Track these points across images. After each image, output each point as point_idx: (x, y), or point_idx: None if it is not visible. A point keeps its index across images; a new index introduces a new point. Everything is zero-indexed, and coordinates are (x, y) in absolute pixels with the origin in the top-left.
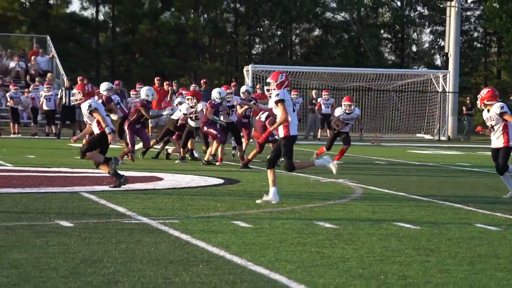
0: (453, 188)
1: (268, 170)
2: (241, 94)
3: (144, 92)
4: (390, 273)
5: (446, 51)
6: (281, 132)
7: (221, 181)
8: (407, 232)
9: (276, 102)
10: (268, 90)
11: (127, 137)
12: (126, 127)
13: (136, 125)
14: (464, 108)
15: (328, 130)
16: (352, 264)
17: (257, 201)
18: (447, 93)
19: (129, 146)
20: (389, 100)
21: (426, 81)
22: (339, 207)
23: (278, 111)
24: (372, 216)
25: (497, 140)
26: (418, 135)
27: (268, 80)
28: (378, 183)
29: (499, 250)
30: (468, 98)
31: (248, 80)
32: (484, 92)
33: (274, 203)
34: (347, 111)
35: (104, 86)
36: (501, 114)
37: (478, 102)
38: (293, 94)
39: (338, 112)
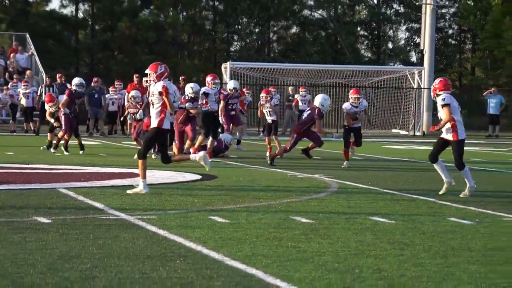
0: (428, 183)
1: (139, 161)
2: (229, 91)
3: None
4: (365, 267)
5: (421, 48)
6: (154, 123)
7: (199, 177)
8: (382, 226)
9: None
10: (147, 81)
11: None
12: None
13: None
14: None
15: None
16: (327, 258)
17: (128, 191)
18: (422, 89)
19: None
20: (365, 96)
21: (401, 78)
22: (315, 202)
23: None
24: (347, 210)
25: (446, 131)
26: (393, 130)
27: (147, 71)
28: (354, 178)
29: (472, 244)
30: None
31: (226, 77)
32: (436, 82)
33: (144, 193)
34: (354, 104)
35: (74, 81)
36: (442, 107)
37: (431, 93)
38: (301, 91)
39: (346, 106)
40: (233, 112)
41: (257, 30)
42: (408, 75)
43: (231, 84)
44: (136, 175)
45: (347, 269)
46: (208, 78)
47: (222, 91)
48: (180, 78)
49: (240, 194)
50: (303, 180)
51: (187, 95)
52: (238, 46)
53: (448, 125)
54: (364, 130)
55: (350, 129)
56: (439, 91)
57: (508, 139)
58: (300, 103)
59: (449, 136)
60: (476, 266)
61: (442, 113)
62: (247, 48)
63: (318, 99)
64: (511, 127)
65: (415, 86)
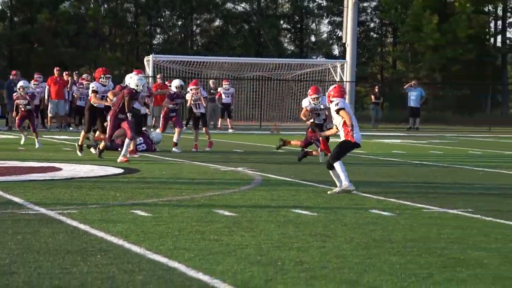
0: (350, 175)
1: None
2: (174, 89)
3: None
4: (288, 259)
5: (343, 41)
6: None
7: (121, 170)
8: (304, 219)
9: None
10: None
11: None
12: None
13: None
14: (372, 97)
15: (228, 119)
16: (250, 251)
17: None
18: (345, 82)
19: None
20: (288, 89)
21: (324, 71)
22: (238, 195)
23: None
24: (270, 203)
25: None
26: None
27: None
28: (277, 171)
29: (393, 235)
30: (376, 87)
31: (149, 70)
32: (331, 88)
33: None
34: (313, 103)
35: None
36: (337, 111)
37: (326, 98)
38: (225, 84)
39: (305, 102)
40: (173, 114)
41: (179, 23)
42: (331, 68)
43: (176, 82)
44: (57, 169)
45: (270, 261)
46: (134, 74)
47: (170, 92)
48: None
49: (163, 188)
50: (226, 173)
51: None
52: (160, 39)
53: (343, 132)
54: (288, 123)
55: (317, 125)
56: (332, 97)
57: (428, 131)
58: (223, 96)
59: (341, 137)
60: (397, 257)
61: (337, 118)
62: (170, 41)
63: None
64: (431, 119)
65: (337, 79)
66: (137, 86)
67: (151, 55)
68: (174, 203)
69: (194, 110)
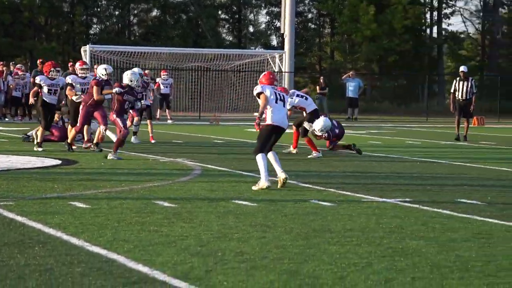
0: (289, 166)
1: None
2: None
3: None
4: (228, 250)
5: (282, 32)
6: None
7: (59, 162)
8: (244, 209)
9: None
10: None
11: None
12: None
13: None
14: (317, 87)
15: (167, 110)
16: (190, 242)
17: None
18: (283, 73)
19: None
20: (227, 80)
21: (263, 61)
22: (178, 186)
23: None
24: (210, 194)
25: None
26: (255, 114)
27: None
28: (217, 162)
29: (332, 225)
30: (321, 77)
31: (86, 61)
32: (262, 75)
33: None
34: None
35: None
36: (257, 95)
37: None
38: (163, 75)
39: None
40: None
41: (117, 12)
42: (269, 59)
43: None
44: None
45: (210, 252)
46: (77, 65)
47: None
48: (38, 61)
49: (102, 179)
50: (166, 164)
51: (100, 76)
52: (97, 29)
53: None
54: (227, 114)
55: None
56: (260, 83)
57: (366, 121)
58: (162, 87)
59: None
60: (336, 247)
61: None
62: (107, 31)
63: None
64: (369, 110)
65: (276, 70)
66: (131, 81)
67: (87, 45)
68: (113, 195)
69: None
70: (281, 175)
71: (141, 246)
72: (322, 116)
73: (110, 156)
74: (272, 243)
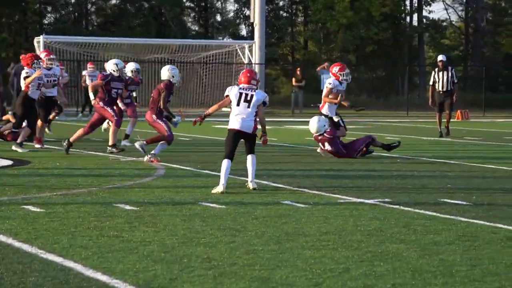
0: (260, 164)
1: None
2: (130, 73)
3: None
4: (194, 256)
5: (251, 20)
6: None
7: (10, 162)
8: (212, 212)
9: None
10: None
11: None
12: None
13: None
14: (293, 79)
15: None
16: (153, 248)
17: None
18: (254, 65)
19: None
20: (193, 73)
21: (231, 52)
22: (140, 188)
23: None
24: (175, 196)
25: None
26: (224, 109)
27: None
28: (182, 161)
29: (307, 228)
30: (298, 69)
31: (39, 52)
32: (241, 73)
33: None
34: (342, 80)
35: None
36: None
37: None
38: (89, 67)
39: (333, 82)
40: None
41: (73, 0)
42: (238, 50)
43: (132, 66)
44: None
45: (175, 259)
46: (43, 55)
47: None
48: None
49: (57, 181)
50: (127, 164)
51: (112, 72)
52: (52, 18)
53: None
54: (193, 109)
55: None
56: (239, 82)
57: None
58: (87, 80)
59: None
60: (311, 251)
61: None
62: (62, 20)
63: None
64: None
65: (245, 62)
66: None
67: (41, 36)
68: (69, 197)
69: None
70: (249, 184)
71: (100, 253)
72: (316, 116)
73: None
74: (241, 248)
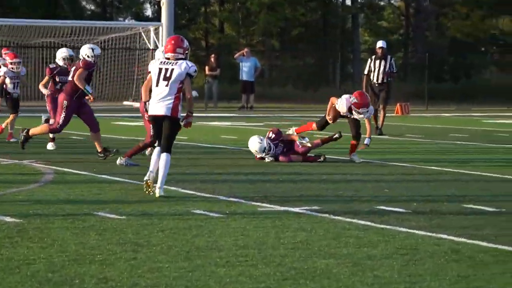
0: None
1: None
2: (60, 61)
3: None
4: (88, 276)
5: None
6: None
7: None
8: (110, 224)
9: None
10: None
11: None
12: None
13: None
14: (206, 68)
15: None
16: (39, 267)
17: None
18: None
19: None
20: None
21: (134, 36)
22: (24, 196)
23: None
24: (66, 205)
25: None
26: (125, 103)
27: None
28: (75, 164)
29: (221, 241)
30: (212, 55)
31: None
32: None
33: None
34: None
35: None
36: None
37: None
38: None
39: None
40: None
41: None
42: (143, 33)
43: (65, 52)
44: None
45: (64, 279)
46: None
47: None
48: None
49: None
50: (8, 168)
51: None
52: None
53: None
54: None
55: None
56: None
57: (265, 111)
58: None
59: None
60: (226, 269)
61: None
62: None
63: None
64: (267, 96)
65: (151, 47)
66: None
67: None
68: None
69: (11, 91)
70: (156, 191)
71: None
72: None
73: None
74: (144, 265)
